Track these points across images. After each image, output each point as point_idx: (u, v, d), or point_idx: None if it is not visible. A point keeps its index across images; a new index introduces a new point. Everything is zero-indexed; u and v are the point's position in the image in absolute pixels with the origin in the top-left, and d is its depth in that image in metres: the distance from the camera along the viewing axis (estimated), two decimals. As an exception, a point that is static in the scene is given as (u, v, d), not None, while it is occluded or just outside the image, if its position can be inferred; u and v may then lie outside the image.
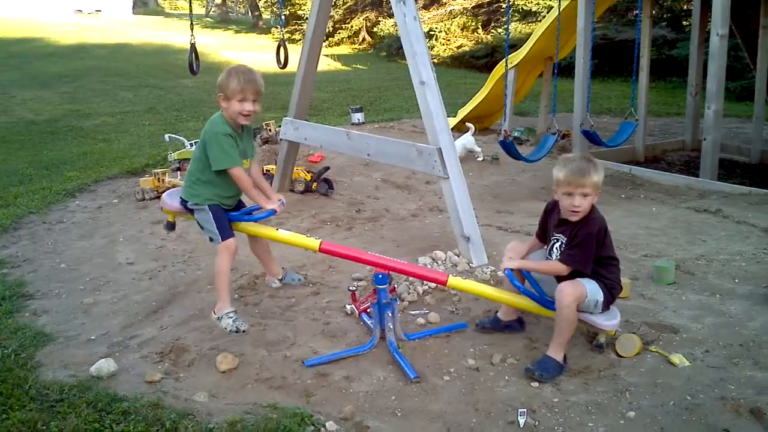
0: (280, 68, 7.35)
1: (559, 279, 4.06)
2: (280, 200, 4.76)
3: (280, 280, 5.22)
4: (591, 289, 3.96)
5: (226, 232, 4.52)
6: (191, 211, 4.65)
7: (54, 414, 3.59)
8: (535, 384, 3.83)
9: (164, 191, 7.92)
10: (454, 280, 4.31)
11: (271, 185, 7.77)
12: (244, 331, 4.35)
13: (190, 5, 8.32)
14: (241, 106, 4.45)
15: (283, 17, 30.56)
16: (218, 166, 4.46)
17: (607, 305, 4.03)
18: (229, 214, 4.66)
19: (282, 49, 7.17)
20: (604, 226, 4.02)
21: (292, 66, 7.48)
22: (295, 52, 7.42)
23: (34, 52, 24.81)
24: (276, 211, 4.64)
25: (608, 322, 4.03)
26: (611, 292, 4.03)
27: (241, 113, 4.48)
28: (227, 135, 4.46)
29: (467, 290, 4.40)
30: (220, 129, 4.47)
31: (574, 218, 4.00)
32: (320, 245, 4.48)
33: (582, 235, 3.96)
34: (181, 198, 4.71)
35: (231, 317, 4.37)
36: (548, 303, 4.11)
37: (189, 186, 4.65)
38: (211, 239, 4.59)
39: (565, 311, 3.91)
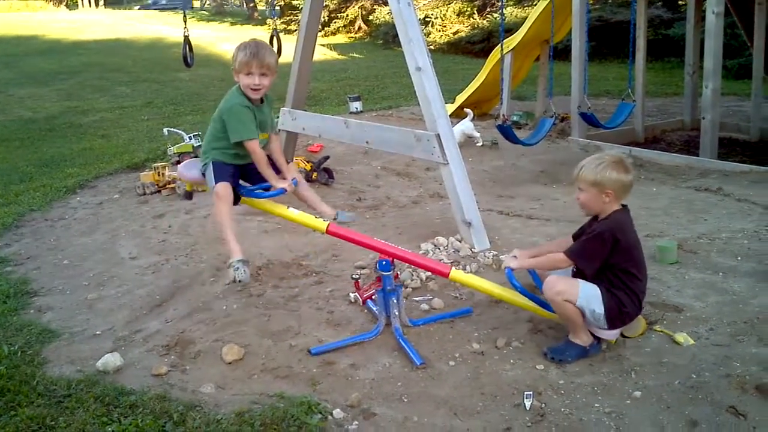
0: (275, 58, 7.33)
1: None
2: (294, 179, 4.75)
3: (335, 219, 5.05)
4: (587, 294, 3.81)
5: (219, 178, 4.54)
6: (204, 176, 4.70)
7: (62, 409, 3.61)
8: (540, 366, 3.84)
9: (164, 185, 7.97)
10: (456, 273, 4.31)
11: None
12: (240, 281, 4.41)
13: (184, -2, 8.29)
14: (249, 80, 4.48)
15: (277, 7, 30.52)
16: (236, 137, 4.50)
17: (611, 323, 3.84)
18: (241, 189, 4.68)
19: (275, 40, 7.16)
20: (619, 231, 3.82)
21: (289, 56, 7.48)
22: (291, 42, 7.41)
23: (29, 49, 24.78)
24: (286, 190, 4.63)
25: (605, 331, 3.91)
26: (620, 311, 3.82)
27: (250, 87, 4.51)
28: (245, 107, 4.49)
29: (468, 285, 4.39)
30: (237, 101, 4.51)
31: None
32: (327, 227, 4.48)
33: (591, 231, 3.89)
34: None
35: (234, 267, 4.39)
36: (548, 305, 4.05)
37: (203, 154, 4.73)
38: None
39: (557, 306, 3.87)
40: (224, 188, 4.52)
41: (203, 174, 4.72)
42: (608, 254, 3.80)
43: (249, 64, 4.45)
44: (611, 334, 3.93)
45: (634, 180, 3.92)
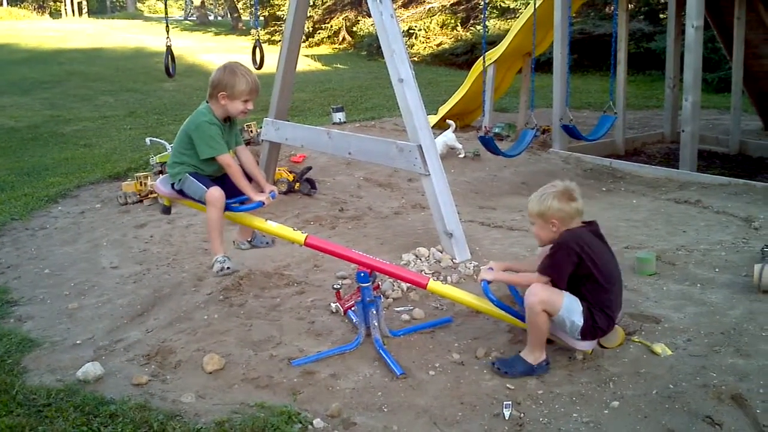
0: (256, 69, 7.34)
1: None
2: (271, 192, 4.75)
3: (249, 242, 5.17)
4: (568, 305, 3.83)
5: (208, 185, 4.53)
6: (180, 192, 4.67)
7: (41, 419, 3.60)
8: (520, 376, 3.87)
9: (146, 195, 7.96)
10: (434, 285, 4.32)
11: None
12: (229, 268, 4.50)
13: (166, 7, 8.30)
14: (245, 106, 4.54)
15: (260, 18, 30.53)
16: (206, 154, 4.50)
17: (588, 334, 3.86)
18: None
19: (258, 50, 7.17)
20: (579, 240, 3.86)
21: (271, 67, 7.49)
22: (274, 53, 7.43)
23: (10, 57, 24.63)
24: (264, 203, 4.64)
25: (581, 342, 3.92)
26: (595, 322, 3.84)
27: (243, 111, 4.57)
28: (213, 124, 4.51)
29: (446, 296, 4.40)
30: (205, 118, 4.51)
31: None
32: (305, 239, 4.49)
33: (554, 246, 3.92)
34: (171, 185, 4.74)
35: (219, 261, 4.50)
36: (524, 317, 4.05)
37: (171, 168, 4.69)
38: (201, 201, 4.59)
39: (531, 314, 3.85)
40: (217, 191, 4.50)
41: (180, 191, 4.68)
42: (576, 263, 3.83)
43: (252, 92, 4.53)
44: (586, 345, 3.94)
45: (581, 207, 3.95)
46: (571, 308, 3.83)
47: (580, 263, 3.83)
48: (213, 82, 4.54)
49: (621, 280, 4.07)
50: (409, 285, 5.07)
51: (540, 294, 3.83)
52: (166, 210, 4.97)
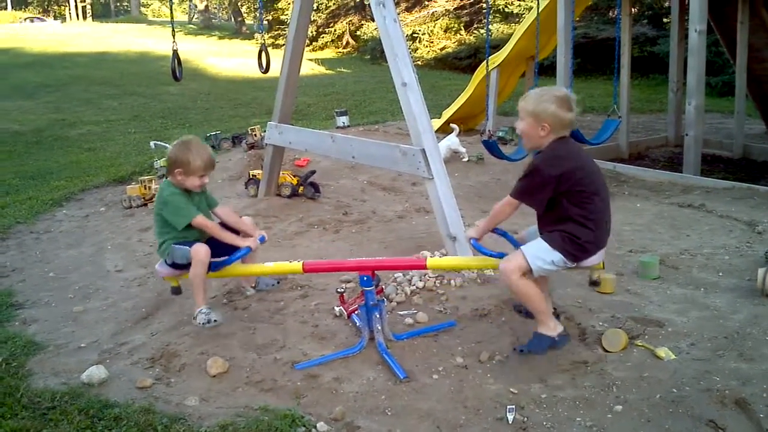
0: (262, 73, 7.37)
1: (541, 226, 3.96)
2: (261, 236, 4.83)
3: (254, 287, 5.23)
4: (533, 252, 3.78)
5: (191, 244, 4.56)
6: (177, 266, 4.69)
7: (46, 421, 3.60)
8: (523, 380, 3.86)
9: (150, 199, 7.98)
10: (432, 261, 4.38)
11: (257, 190, 7.85)
12: (215, 320, 4.48)
13: (171, 12, 8.33)
14: (201, 181, 4.62)
15: (265, 22, 30.59)
16: (180, 223, 4.57)
17: (574, 257, 3.80)
18: (213, 264, 4.67)
19: (264, 54, 7.19)
20: (555, 160, 3.78)
21: (276, 71, 7.51)
22: (278, 56, 7.45)
23: (15, 61, 24.72)
24: (251, 248, 4.67)
25: (583, 261, 3.88)
26: (575, 243, 3.77)
27: (199, 186, 4.66)
28: (176, 194, 4.59)
29: (447, 267, 4.45)
30: (167, 191, 4.60)
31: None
32: (303, 267, 4.53)
33: (529, 167, 3.84)
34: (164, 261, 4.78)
35: (203, 312, 4.50)
36: None
37: (159, 249, 4.74)
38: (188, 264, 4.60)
39: (514, 288, 3.85)
40: (201, 247, 4.54)
41: (173, 264, 4.69)
42: (552, 185, 3.74)
43: (206, 167, 4.63)
44: (592, 261, 3.89)
45: (574, 119, 3.90)
46: (536, 253, 3.79)
47: (559, 180, 3.74)
48: (169, 159, 4.65)
49: (607, 190, 3.97)
50: (413, 288, 5.08)
51: (507, 267, 3.80)
52: (176, 291, 4.97)
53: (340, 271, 4.62)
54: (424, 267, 4.38)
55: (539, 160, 3.83)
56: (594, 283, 4.22)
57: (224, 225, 4.80)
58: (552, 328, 3.92)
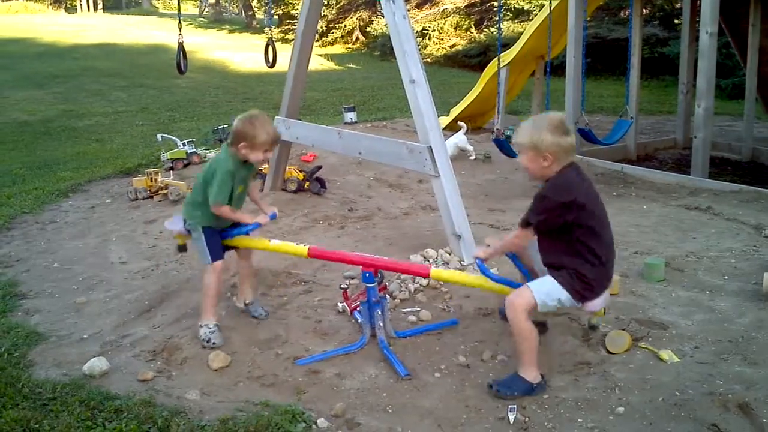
0: (269, 67, 7.37)
1: (547, 262, 3.89)
2: (272, 212, 4.79)
3: (246, 304, 5.08)
4: (541, 289, 3.71)
5: (215, 254, 4.56)
6: (188, 231, 4.69)
7: (47, 412, 3.61)
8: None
9: (156, 191, 7.99)
10: (436, 271, 4.30)
11: (264, 185, 7.85)
12: (214, 343, 4.39)
13: (179, 4, 8.33)
14: (265, 156, 4.58)
15: (275, 16, 30.58)
16: (211, 199, 4.51)
17: (581, 298, 3.71)
18: (222, 233, 4.68)
19: (270, 49, 7.18)
20: (564, 188, 3.69)
21: (285, 65, 7.50)
22: (288, 51, 7.44)
23: (26, 52, 24.76)
24: (261, 224, 4.66)
25: (587, 304, 3.77)
26: (584, 282, 3.68)
27: (261, 161, 4.67)
28: (230, 173, 4.51)
29: (448, 280, 4.39)
30: (226, 166, 4.52)
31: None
32: (308, 251, 4.52)
33: (539, 197, 3.75)
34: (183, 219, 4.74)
35: (209, 328, 4.45)
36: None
37: (187, 205, 4.71)
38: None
39: (515, 324, 3.72)
40: (222, 265, 4.59)
41: (189, 231, 4.69)
42: (560, 213, 3.66)
43: (272, 143, 4.58)
44: (596, 305, 3.80)
45: (574, 142, 3.78)
46: (546, 290, 3.71)
47: (565, 209, 3.65)
48: (234, 132, 4.56)
49: (610, 227, 3.87)
50: (416, 286, 5.07)
51: (513, 302, 3.72)
52: (182, 248, 4.96)
53: (344, 262, 4.59)
54: (427, 276, 4.35)
55: (547, 188, 3.74)
56: (592, 328, 4.18)
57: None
58: (533, 377, 3.77)
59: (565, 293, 3.70)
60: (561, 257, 3.75)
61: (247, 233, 4.65)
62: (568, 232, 3.70)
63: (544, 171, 3.76)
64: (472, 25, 25.54)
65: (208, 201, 4.51)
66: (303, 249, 4.55)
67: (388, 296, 4.61)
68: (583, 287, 3.70)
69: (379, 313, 4.27)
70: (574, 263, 3.70)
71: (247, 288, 4.93)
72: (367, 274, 4.23)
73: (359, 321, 4.50)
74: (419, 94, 5.78)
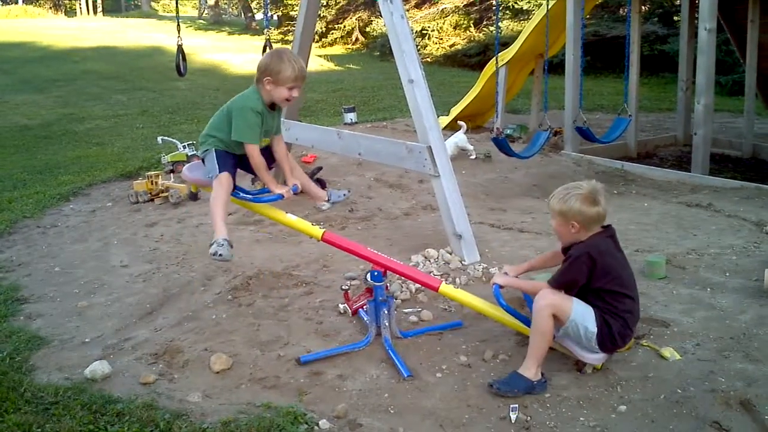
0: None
1: None
2: (293, 185, 4.65)
3: (328, 201, 5.02)
4: (579, 311, 3.77)
5: (223, 168, 4.43)
6: (203, 161, 4.59)
7: (49, 416, 3.61)
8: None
9: (157, 194, 7.99)
10: (445, 288, 4.29)
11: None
12: (221, 255, 4.24)
13: (177, 6, 8.33)
14: (290, 93, 4.39)
15: (273, 17, 30.57)
16: (238, 136, 4.40)
17: (602, 345, 3.78)
18: (240, 194, 4.58)
19: (268, 50, 7.18)
20: (595, 253, 3.78)
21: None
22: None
23: (26, 56, 24.73)
24: (283, 196, 4.53)
25: (592, 354, 3.85)
26: (610, 328, 3.76)
27: (287, 99, 4.43)
28: (257, 112, 4.39)
29: (457, 299, 4.37)
30: (251, 104, 4.39)
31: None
32: (323, 235, 4.49)
33: (568, 257, 3.86)
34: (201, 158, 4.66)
35: (218, 243, 4.26)
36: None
37: (204, 136, 4.59)
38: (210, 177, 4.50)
39: (538, 318, 3.76)
40: (227, 178, 4.42)
41: (203, 160, 4.61)
42: (587, 278, 3.77)
43: (298, 78, 4.38)
44: (597, 359, 3.86)
45: (604, 212, 3.86)
46: (583, 314, 3.77)
47: (592, 274, 3.77)
48: (260, 66, 4.41)
49: (637, 291, 3.98)
50: (418, 287, 5.07)
51: (549, 297, 3.79)
52: (193, 196, 4.92)
53: (356, 255, 4.53)
54: (436, 290, 4.33)
55: (579, 251, 3.82)
56: (580, 372, 4.18)
57: (270, 155, 4.65)
58: (533, 374, 3.78)
59: (595, 329, 3.77)
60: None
61: (266, 202, 4.59)
62: (595, 293, 3.83)
63: (573, 236, 3.90)
64: (472, 25, 25.51)
65: (226, 132, 4.42)
66: (318, 231, 4.52)
67: (392, 296, 4.61)
68: (609, 335, 3.79)
69: (386, 312, 4.27)
70: (605, 317, 3.80)
71: (289, 171, 4.80)
72: (376, 273, 4.23)
73: (365, 319, 4.50)
74: (418, 93, 5.78)
